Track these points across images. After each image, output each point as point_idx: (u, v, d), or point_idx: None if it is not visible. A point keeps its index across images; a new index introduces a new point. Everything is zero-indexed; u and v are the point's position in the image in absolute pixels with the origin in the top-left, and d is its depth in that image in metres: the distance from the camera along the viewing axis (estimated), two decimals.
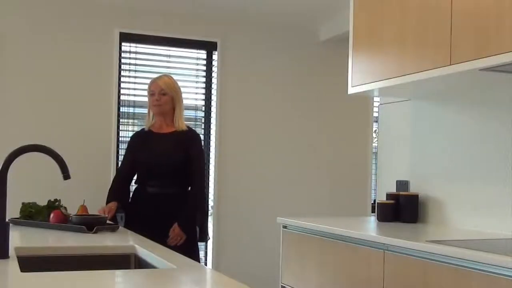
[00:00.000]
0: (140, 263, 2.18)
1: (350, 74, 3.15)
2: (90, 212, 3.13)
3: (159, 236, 3.05)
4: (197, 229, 3.66)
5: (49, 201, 3.04)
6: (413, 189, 3.26)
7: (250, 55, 4.82)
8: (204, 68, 4.74)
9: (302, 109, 4.96)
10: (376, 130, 5.00)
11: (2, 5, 4.19)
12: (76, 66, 4.34)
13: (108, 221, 3.05)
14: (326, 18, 4.77)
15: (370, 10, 3.03)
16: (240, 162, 4.77)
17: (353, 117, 5.11)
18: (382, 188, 3.46)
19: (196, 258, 3.59)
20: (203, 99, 4.74)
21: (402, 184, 3.32)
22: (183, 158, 3.59)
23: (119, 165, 4.03)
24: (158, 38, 4.55)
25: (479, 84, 2.79)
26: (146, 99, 3.79)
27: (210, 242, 4.65)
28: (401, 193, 3.22)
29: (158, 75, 3.81)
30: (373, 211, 4.49)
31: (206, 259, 4.73)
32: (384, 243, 2.48)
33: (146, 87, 3.78)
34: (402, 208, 3.17)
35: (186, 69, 4.72)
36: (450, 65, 2.46)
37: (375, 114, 5.05)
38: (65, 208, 3.00)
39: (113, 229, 2.80)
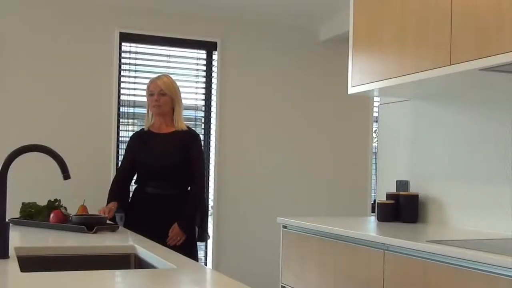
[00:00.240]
0: (140, 263, 2.18)
1: (350, 74, 3.15)
2: (90, 212, 3.13)
3: (158, 236, 3.06)
4: (197, 229, 3.66)
5: (49, 201, 3.04)
6: (413, 189, 3.26)
7: (250, 55, 4.82)
8: (204, 68, 4.74)
9: (302, 109, 4.96)
10: (376, 130, 5.00)
11: (2, 5, 4.19)
12: (76, 66, 4.34)
13: (108, 221, 3.05)
14: (326, 18, 4.77)
15: (370, 10, 3.03)
16: (240, 162, 4.77)
17: (353, 117, 5.11)
18: (382, 188, 3.46)
19: (194, 258, 3.59)
20: (203, 99, 4.74)
21: (402, 184, 3.32)
22: (182, 158, 3.59)
23: (119, 165, 4.03)
24: (158, 38, 4.55)
25: (479, 84, 2.79)
26: (146, 99, 3.79)
27: (210, 242, 4.65)
28: (401, 193, 3.22)
29: (157, 75, 3.81)
30: (373, 211, 4.49)
31: (206, 259, 4.73)
32: (384, 243, 2.48)
33: (146, 87, 3.78)
34: (402, 208, 3.17)
35: (186, 69, 4.72)
36: (450, 65, 2.46)
37: (375, 114, 5.05)
38: (65, 208, 3.00)
39: (113, 229, 2.80)
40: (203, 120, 4.75)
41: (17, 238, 2.40)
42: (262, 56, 4.84)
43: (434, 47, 2.55)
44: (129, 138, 3.90)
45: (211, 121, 4.74)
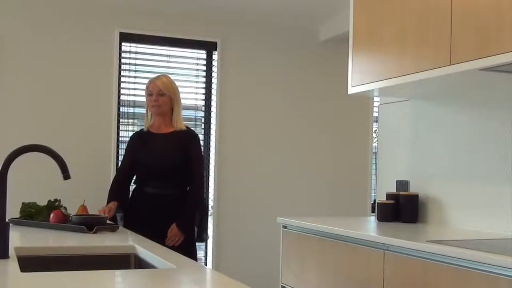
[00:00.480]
0: (140, 263, 2.18)
1: (350, 74, 3.15)
2: (90, 212, 3.13)
3: (158, 236, 3.06)
4: (196, 229, 3.66)
5: (49, 201, 3.04)
6: (413, 189, 3.26)
7: (250, 55, 4.82)
8: (204, 68, 4.74)
9: (302, 109, 4.96)
10: (376, 130, 5.00)
11: (2, 5, 4.19)
12: (76, 66, 4.34)
13: (108, 221, 3.05)
14: (326, 18, 4.77)
15: (370, 10, 3.03)
16: (240, 162, 4.77)
17: (353, 117, 5.11)
18: (382, 188, 3.46)
19: (194, 258, 3.58)
20: (203, 99, 4.74)
21: (402, 184, 3.32)
22: (182, 158, 3.59)
23: (119, 165, 4.03)
24: (158, 38, 4.55)
25: (479, 84, 2.79)
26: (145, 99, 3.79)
27: (210, 242, 4.65)
28: (401, 193, 3.22)
29: (157, 75, 3.81)
30: (373, 211, 4.49)
31: (206, 259, 4.73)
32: (384, 243, 2.48)
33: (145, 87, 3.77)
34: (402, 208, 3.17)
35: (186, 69, 4.72)
36: (450, 65, 2.46)
37: (375, 114, 5.05)
38: (65, 208, 3.00)
39: (113, 229, 2.80)
40: (203, 120, 4.75)
41: (17, 238, 2.40)
42: (262, 56, 4.84)
43: (434, 47, 2.55)
44: (129, 138, 3.91)
45: (211, 121, 4.74)
